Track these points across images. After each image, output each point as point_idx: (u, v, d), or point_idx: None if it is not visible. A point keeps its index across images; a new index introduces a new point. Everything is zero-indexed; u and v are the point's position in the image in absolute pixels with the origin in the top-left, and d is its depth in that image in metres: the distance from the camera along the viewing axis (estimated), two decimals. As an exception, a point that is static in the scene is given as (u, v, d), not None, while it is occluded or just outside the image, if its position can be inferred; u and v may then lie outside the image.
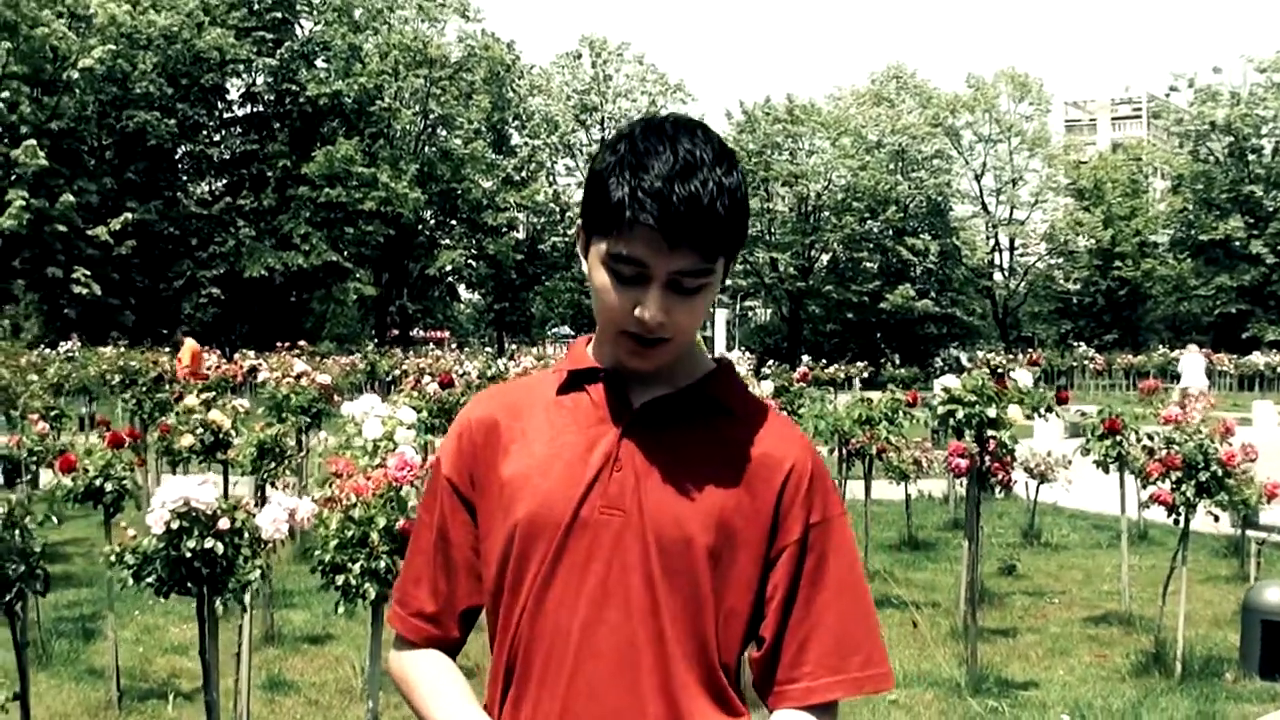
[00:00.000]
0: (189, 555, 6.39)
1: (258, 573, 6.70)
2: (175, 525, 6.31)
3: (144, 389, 17.62)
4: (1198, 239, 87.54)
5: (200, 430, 13.03)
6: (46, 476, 11.79)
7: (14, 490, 13.26)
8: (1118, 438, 12.77)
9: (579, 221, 2.64)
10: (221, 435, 13.10)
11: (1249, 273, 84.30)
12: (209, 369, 27.81)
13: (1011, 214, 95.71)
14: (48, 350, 42.17)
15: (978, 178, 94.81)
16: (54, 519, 8.48)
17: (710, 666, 2.54)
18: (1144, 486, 11.68)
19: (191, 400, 14.21)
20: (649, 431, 2.61)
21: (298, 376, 16.56)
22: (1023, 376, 11.29)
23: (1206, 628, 12.86)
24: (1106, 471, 13.26)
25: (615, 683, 2.50)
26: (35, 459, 12.64)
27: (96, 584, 13.25)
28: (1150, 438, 11.76)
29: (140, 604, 12.95)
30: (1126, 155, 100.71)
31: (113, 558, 6.67)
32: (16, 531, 6.91)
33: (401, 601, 2.83)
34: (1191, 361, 42.11)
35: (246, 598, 7.20)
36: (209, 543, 6.39)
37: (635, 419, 2.61)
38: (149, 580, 6.54)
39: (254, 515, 6.66)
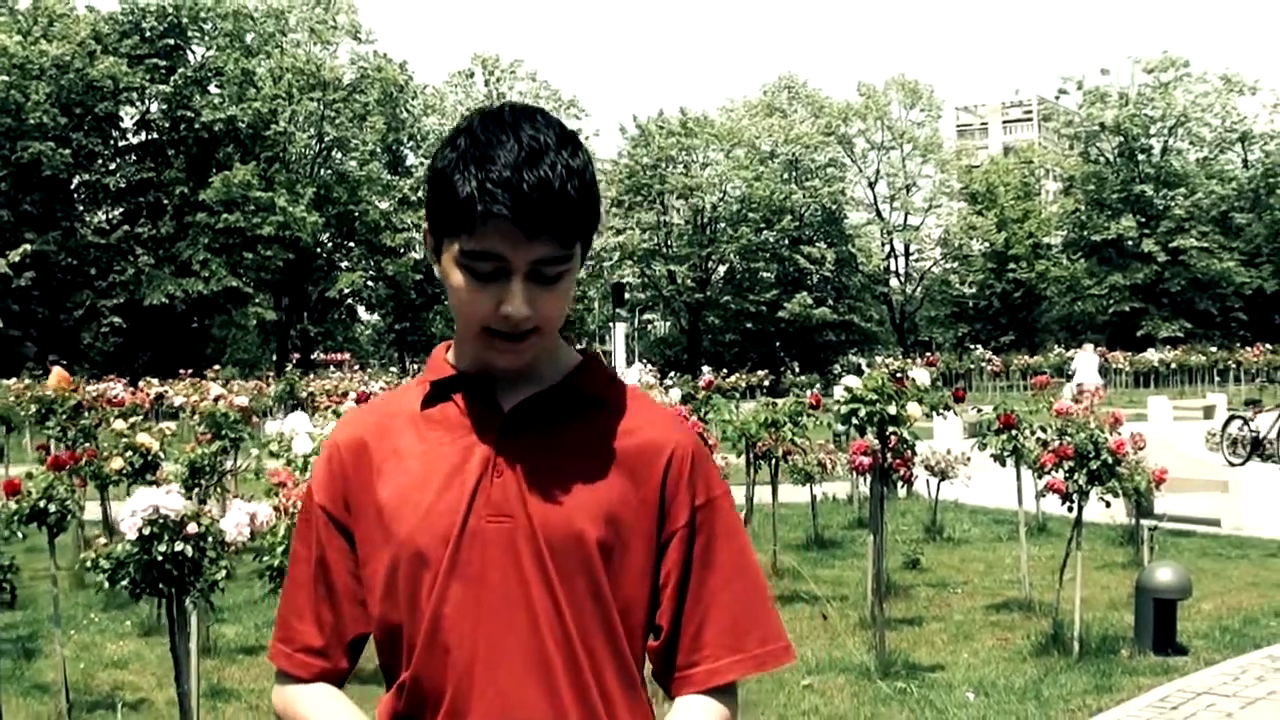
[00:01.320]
0: (160, 558, 6.86)
1: (223, 573, 7.14)
2: (147, 531, 6.78)
3: (65, 416, 17.89)
4: (1090, 239, 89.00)
5: (129, 453, 13.36)
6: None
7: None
8: (1013, 432, 13.31)
9: (425, 225, 2.57)
10: (150, 457, 13.45)
11: (1141, 271, 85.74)
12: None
13: (906, 220, 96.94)
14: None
15: (871, 185, 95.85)
16: (20, 534, 8.90)
17: (622, 661, 2.53)
18: (1039, 477, 12.17)
19: (120, 425, 14.57)
20: (524, 433, 2.55)
21: (215, 399, 16.88)
22: (920, 375, 11.83)
23: (1104, 610, 13.38)
24: (1003, 465, 13.84)
25: (531, 693, 2.46)
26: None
27: (31, 606, 13.58)
28: (1044, 430, 12.31)
29: (75, 623, 13.32)
30: (1018, 158, 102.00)
31: (89, 563, 7.10)
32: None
33: (285, 638, 2.71)
34: (1085, 359, 43.12)
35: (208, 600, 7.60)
36: (179, 546, 6.85)
37: (508, 422, 2.55)
38: (123, 583, 7.00)
39: (218, 521, 7.11)
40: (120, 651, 12.53)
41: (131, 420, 15.00)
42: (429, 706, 2.51)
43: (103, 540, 7.17)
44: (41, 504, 9.98)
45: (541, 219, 2.35)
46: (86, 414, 18.81)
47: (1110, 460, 11.39)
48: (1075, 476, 11.41)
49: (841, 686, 10.81)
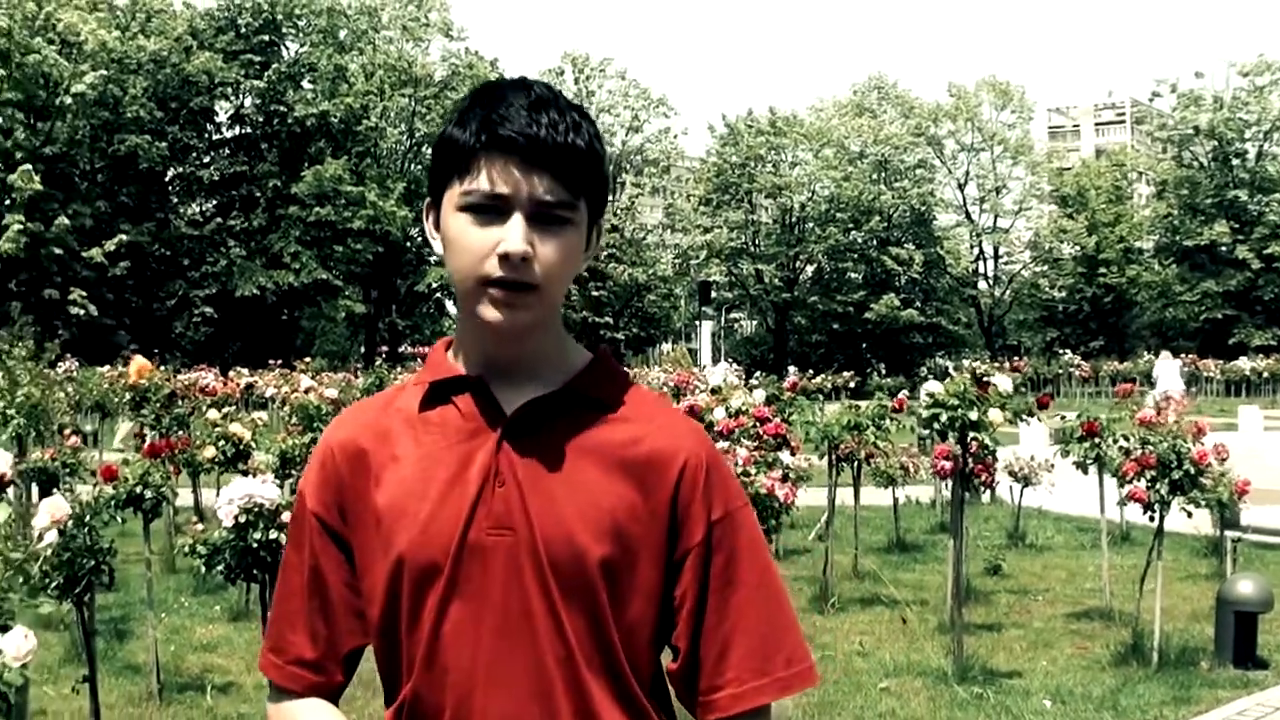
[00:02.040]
0: (254, 545, 7.08)
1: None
2: (242, 519, 7.00)
3: (159, 405, 18.20)
4: (1182, 245, 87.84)
5: (222, 442, 13.61)
6: (81, 489, 12.35)
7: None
8: (1096, 440, 13.34)
9: (426, 201, 2.49)
10: (242, 447, 13.69)
11: (1234, 278, 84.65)
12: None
13: (995, 222, 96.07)
14: (47, 370, 42.55)
15: (961, 187, 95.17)
16: (119, 519, 9.16)
17: (624, 681, 2.42)
18: (1121, 485, 12.20)
19: (213, 414, 14.83)
20: (528, 438, 2.43)
21: (306, 391, 17.10)
22: (1003, 381, 11.87)
23: (1185, 621, 13.38)
24: (1085, 472, 13.84)
25: (529, 713, 2.37)
26: (69, 471, 13.28)
27: (123, 589, 13.80)
28: (1126, 439, 12.34)
29: (166, 607, 13.58)
30: (1110, 162, 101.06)
31: (186, 549, 7.32)
32: (86, 530, 7.53)
33: (276, 649, 2.59)
34: (1167, 367, 42.86)
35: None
36: (273, 534, 7.06)
37: (511, 426, 2.43)
38: (218, 568, 7.24)
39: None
40: (209, 635, 12.81)
41: (224, 410, 15.26)
42: None
43: (199, 526, 7.39)
44: (138, 490, 10.26)
45: (545, 151, 2.29)
46: (180, 403, 19.14)
47: (1192, 471, 11.42)
48: (1157, 486, 11.45)
49: (919, 690, 10.89)
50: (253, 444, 14.13)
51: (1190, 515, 12.24)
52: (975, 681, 11.01)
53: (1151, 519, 11.90)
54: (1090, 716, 10.14)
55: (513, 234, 2.28)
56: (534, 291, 2.33)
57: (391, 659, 2.46)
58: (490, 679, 2.36)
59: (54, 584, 7.27)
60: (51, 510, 5.30)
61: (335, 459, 2.54)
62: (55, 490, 14.88)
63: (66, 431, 16.28)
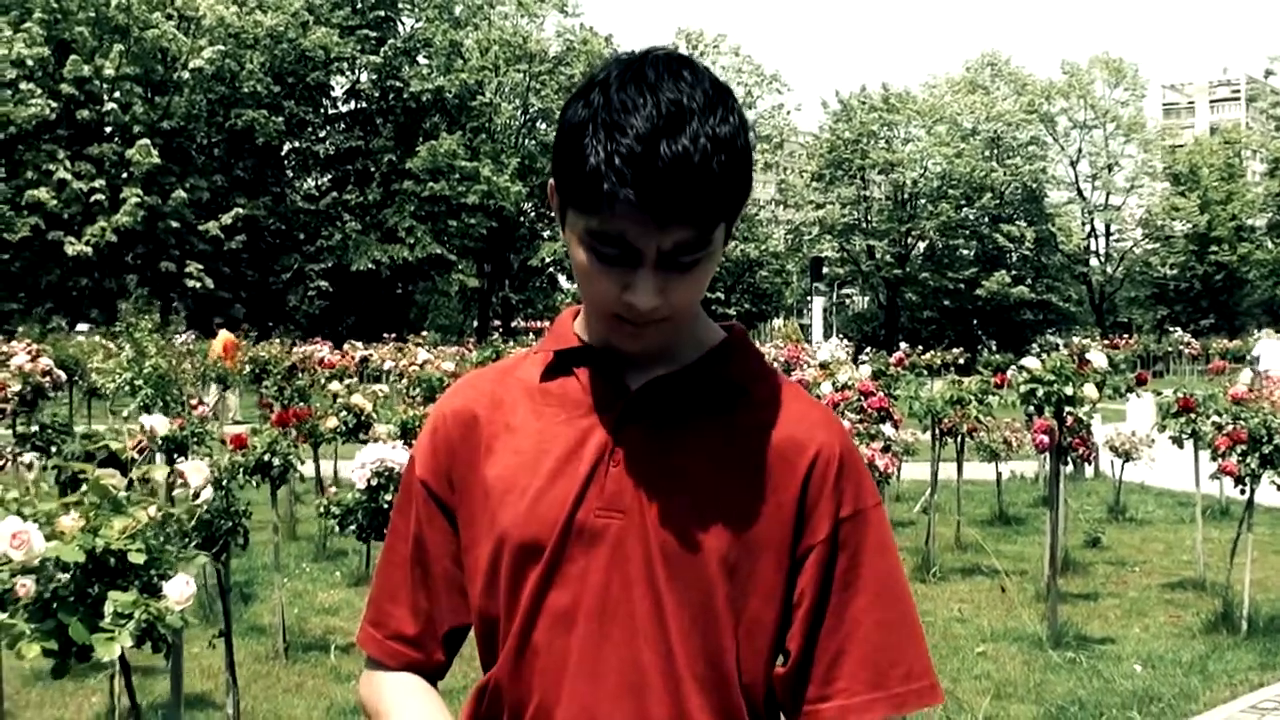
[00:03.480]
0: (386, 506, 7.60)
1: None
2: (374, 482, 7.52)
3: (281, 376, 18.80)
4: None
5: (344, 413, 14.12)
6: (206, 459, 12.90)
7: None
8: (1192, 415, 13.66)
9: (550, 181, 2.28)
10: (364, 418, 14.20)
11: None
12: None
13: (1107, 200, 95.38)
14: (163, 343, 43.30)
15: (1073, 164, 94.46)
16: (251, 484, 9.71)
17: (727, 688, 2.26)
18: (1214, 459, 12.54)
19: (335, 386, 15.36)
20: (650, 418, 2.30)
21: (422, 364, 17.60)
22: (1098, 358, 12.23)
23: (1278, 593, 13.72)
24: (1181, 446, 14.20)
25: (618, 710, 2.23)
26: (197, 440, 13.91)
27: (247, 555, 14.40)
28: (1219, 414, 12.68)
29: (288, 572, 14.12)
30: (1222, 139, 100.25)
31: (321, 509, 7.85)
32: (223, 494, 8.05)
33: (376, 621, 2.50)
34: (1270, 346, 42.68)
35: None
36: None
37: (632, 404, 2.30)
38: (351, 528, 7.77)
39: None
40: (331, 599, 13.29)
41: (346, 382, 15.79)
42: (510, 712, 2.32)
43: (334, 490, 7.91)
44: (266, 458, 10.82)
45: (676, 204, 2.07)
46: (300, 375, 19.74)
47: (1283, 445, 11.79)
48: (1248, 460, 11.81)
49: (1014, 655, 11.28)
50: (374, 415, 14.62)
51: (1280, 488, 12.56)
52: (1069, 647, 11.38)
53: (1243, 492, 12.27)
54: (1179, 680, 10.48)
55: (642, 289, 2.14)
56: (666, 320, 2.21)
57: (489, 640, 2.36)
58: (581, 670, 2.23)
59: (193, 543, 7.78)
60: (197, 471, 5.75)
61: (448, 425, 2.45)
62: (184, 458, 15.50)
63: (194, 401, 16.86)
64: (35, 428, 10.60)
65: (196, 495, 5.48)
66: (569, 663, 2.23)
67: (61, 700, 9.69)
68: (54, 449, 10.25)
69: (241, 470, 10.52)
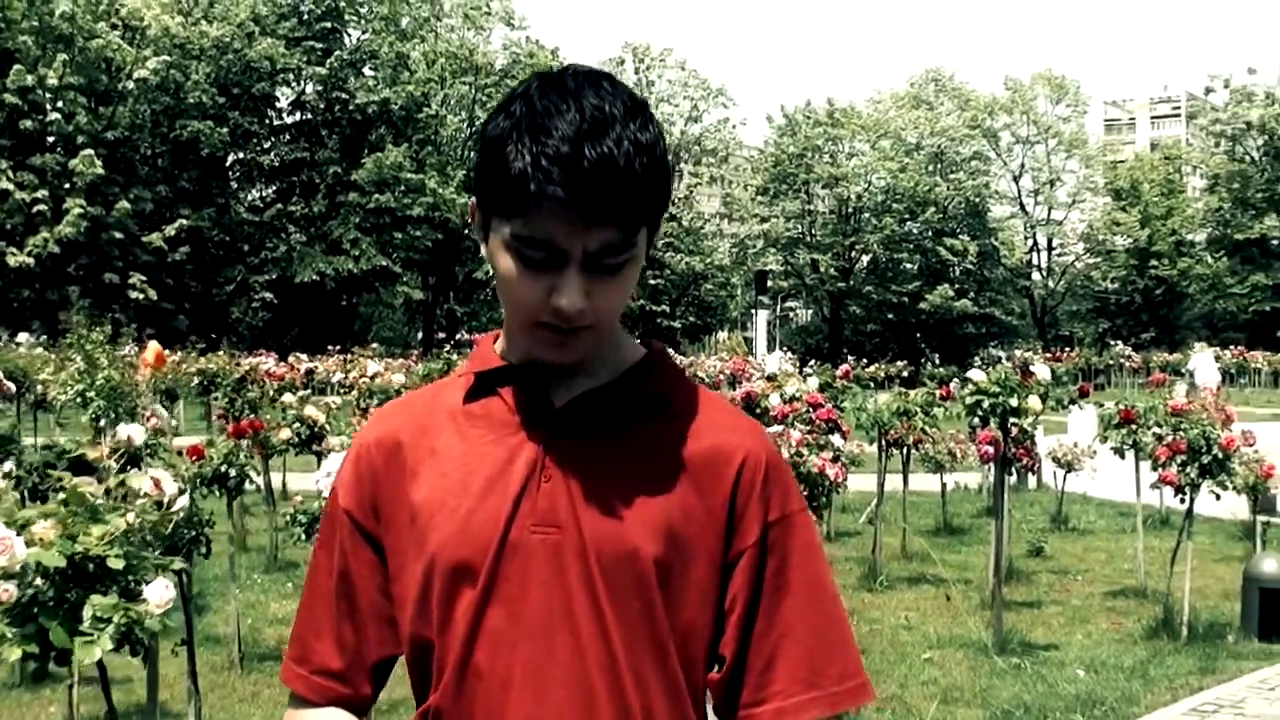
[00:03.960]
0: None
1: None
2: (340, 490, 7.68)
3: (231, 389, 18.86)
4: (1233, 238, 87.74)
5: (297, 424, 14.25)
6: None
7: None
8: (1133, 426, 13.92)
9: (472, 199, 2.31)
10: (316, 429, 14.33)
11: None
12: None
13: (1049, 214, 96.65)
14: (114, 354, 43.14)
15: (1015, 179, 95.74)
16: (214, 492, 9.83)
17: (675, 693, 2.27)
18: (1154, 469, 12.80)
19: (288, 398, 15.47)
20: (577, 433, 2.29)
21: (373, 376, 17.72)
22: (1041, 371, 12.51)
23: (1216, 600, 14.03)
24: (1122, 457, 14.45)
25: None
26: (150, 452, 14.01)
27: (200, 565, 14.52)
28: (1160, 425, 12.94)
29: (240, 583, 14.23)
30: (1162, 155, 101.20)
31: (286, 518, 7.96)
32: (190, 502, 8.15)
33: (300, 657, 2.43)
34: (1203, 360, 43.46)
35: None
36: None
37: (559, 420, 2.30)
38: (316, 536, 7.90)
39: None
40: (284, 610, 13.35)
41: (299, 394, 15.90)
42: None
43: (299, 500, 8.01)
44: (223, 469, 10.94)
45: (602, 202, 2.10)
46: (250, 387, 19.80)
47: (1220, 455, 12.05)
48: (1187, 470, 12.08)
49: (960, 661, 11.52)
50: (326, 427, 14.73)
51: (1219, 497, 12.82)
52: (1014, 653, 11.63)
53: (1182, 501, 12.55)
54: (1121, 684, 10.71)
55: (569, 291, 2.15)
56: (590, 329, 2.22)
57: (422, 667, 2.31)
58: (526, 687, 2.21)
59: (156, 551, 7.89)
60: (162, 480, 5.87)
61: (371, 453, 2.40)
62: (138, 469, 15.59)
63: (147, 413, 16.93)
64: (-7, 438, 10.70)
65: (171, 504, 5.60)
66: (513, 682, 2.21)
67: (19, 711, 9.80)
68: (11, 459, 10.35)
69: (199, 481, 10.64)
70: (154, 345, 27.94)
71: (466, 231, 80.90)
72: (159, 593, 5.04)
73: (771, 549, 2.30)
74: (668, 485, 2.27)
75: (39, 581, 4.83)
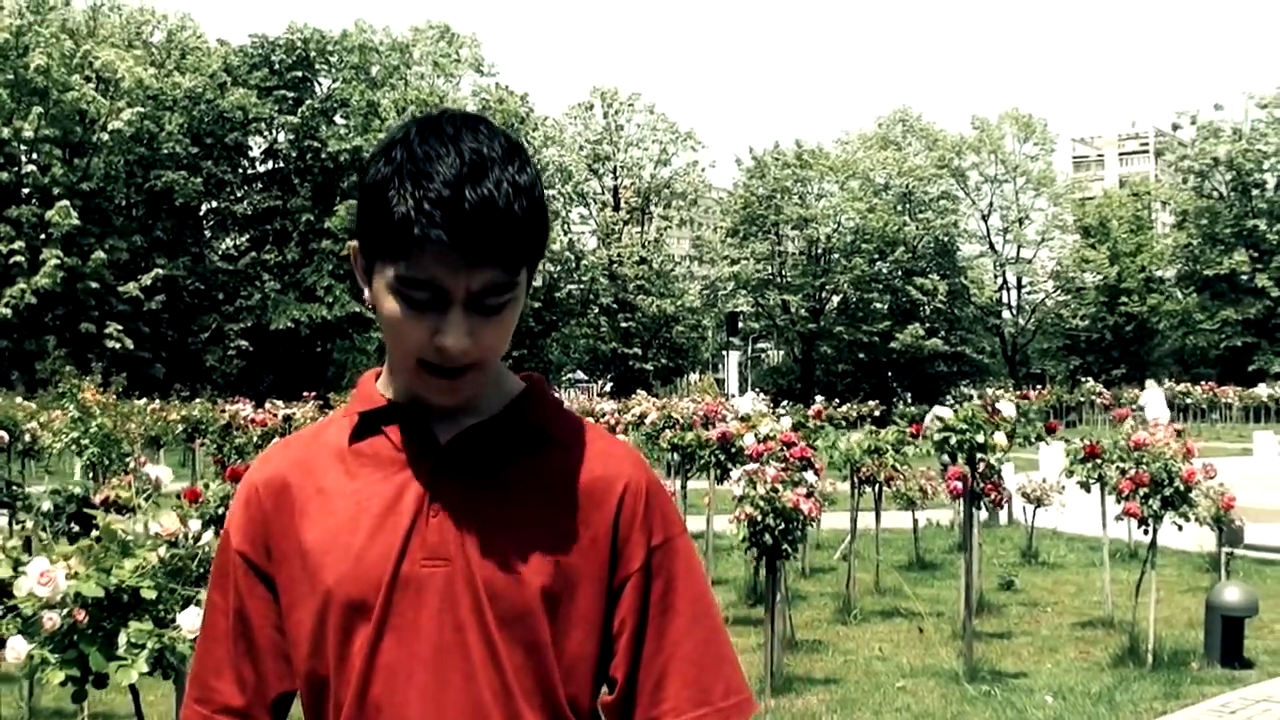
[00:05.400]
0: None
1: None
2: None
3: (219, 436, 19.22)
4: (1203, 274, 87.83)
5: (286, 469, 14.60)
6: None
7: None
8: (1097, 461, 14.34)
9: (352, 243, 2.36)
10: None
11: (1254, 306, 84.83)
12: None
13: (1019, 253, 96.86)
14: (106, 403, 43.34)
15: (984, 217, 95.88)
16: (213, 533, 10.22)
17: (563, 718, 2.35)
18: (1118, 502, 13.20)
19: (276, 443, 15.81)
20: (462, 468, 2.36)
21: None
22: (1006, 408, 12.94)
23: (1182, 628, 14.44)
24: (1088, 491, 14.84)
25: None
26: (146, 497, 14.36)
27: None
28: (1122, 459, 13.36)
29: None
30: (1130, 192, 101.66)
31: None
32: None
33: (202, 698, 2.49)
34: (1153, 395, 44.32)
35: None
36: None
37: (445, 456, 2.36)
38: (211, 579, 8.26)
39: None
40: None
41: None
42: None
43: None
44: (220, 511, 11.33)
45: (484, 243, 2.16)
46: (236, 433, 20.18)
47: (1182, 488, 12.49)
48: (1150, 502, 12.51)
49: (932, 689, 11.92)
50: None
51: (1180, 528, 13.25)
52: (984, 681, 12.04)
53: (1146, 533, 12.95)
54: (1088, 710, 11.11)
55: (453, 330, 2.21)
56: (475, 367, 2.29)
57: (319, 702, 2.38)
58: (424, 716, 2.28)
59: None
60: (172, 521, 6.24)
61: (259, 495, 2.45)
62: (130, 514, 15.93)
63: (142, 459, 17.31)
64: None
65: (197, 538, 5.99)
66: (410, 714, 2.28)
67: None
68: (18, 504, 10.76)
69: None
70: (90, 392, 28.33)
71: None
72: (191, 619, 5.45)
73: (656, 572, 2.40)
74: (552, 515, 2.35)
75: (79, 613, 5.24)
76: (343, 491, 2.37)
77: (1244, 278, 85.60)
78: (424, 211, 2.12)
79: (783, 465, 13.69)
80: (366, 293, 2.30)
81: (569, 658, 2.34)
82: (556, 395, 2.58)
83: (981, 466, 13.19)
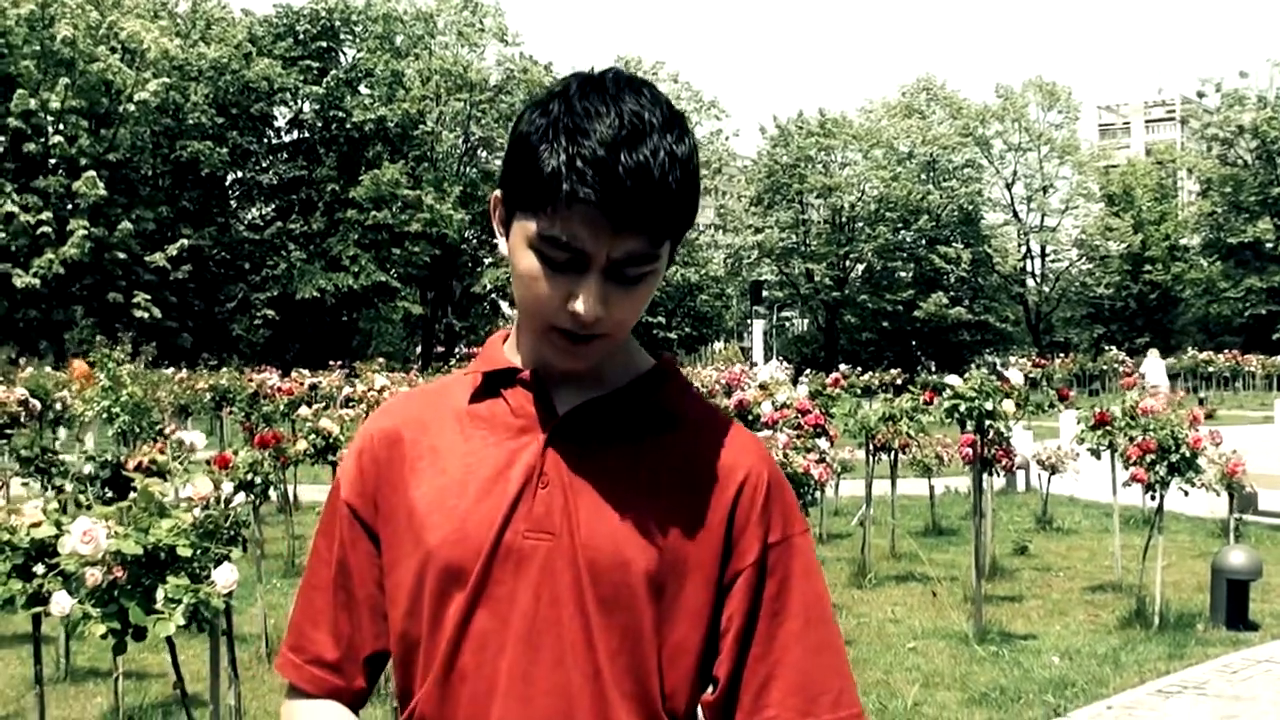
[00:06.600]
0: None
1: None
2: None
3: (247, 404, 19.54)
4: (1227, 242, 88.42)
5: (313, 436, 14.86)
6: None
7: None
8: (1107, 428, 14.58)
9: (497, 192, 2.27)
10: (331, 440, 14.94)
11: (1278, 274, 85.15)
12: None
13: (1043, 221, 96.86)
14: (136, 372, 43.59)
15: (1008, 186, 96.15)
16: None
17: (654, 710, 2.24)
18: (1126, 468, 13.45)
19: (304, 410, 16.10)
20: (578, 441, 2.27)
21: (380, 390, 18.31)
22: (1014, 375, 13.23)
23: (1189, 592, 14.65)
24: (1098, 458, 15.07)
25: None
26: (179, 460, 14.68)
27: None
28: (1131, 424, 13.62)
29: (264, 588, 14.93)
30: (1155, 160, 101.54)
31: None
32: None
33: (296, 646, 2.43)
34: (1153, 365, 44.68)
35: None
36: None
37: (562, 426, 2.27)
38: (320, 525, 8.58)
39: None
40: (303, 613, 14.06)
41: (315, 407, 16.51)
42: None
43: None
44: (249, 477, 11.68)
45: (633, 211, 2.07)
46: (264, 402, 20.49)
47: (1189, 454, 12.75)
48: (1156, 468, 12.78)
49: (942, 650, 12.19)
50: (340, 438, 15.33)
51: (1187, 494, 13.48)
52: (993, 642, 12.30)
53: (1153, 498, 13.26)
54: (1093, 669, 11.39)
55: (588, 296, 2.13)
56: (604, 338, 2.21)
57: (408, 666, 2.32)
58: (510, 693, 2.19)
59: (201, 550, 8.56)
60: (205, 485, 6.54)
61: (374, 446, 2.39)
62: (163, 479, 16.27)
63: (172, 427, 17.62)
64: (37, 451, 11.41)
65: (229, 500, 6.30)
66: (497, 687, 2.19)
67: (65, 703, 10.45)
68: (54, 470, 11.10)
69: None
70: (77, 364, 28.55)
71: (464, 246, 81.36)
72: (226, 575, 5.77)
73: (771, 570, 2.28)
74: (665, 499, 2.24)
75: (118, 570, 5.56)
76: (455, 451, 2.31)
77: (1269, 245, 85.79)
78: (575, 169, 2.06)
79: (797, 432, 13.97)
80: (502, 244, 2.26)
81: (670, 649, 2.24)
82: (686, 378, 2.47)
83: (990, 433, 13.45)
